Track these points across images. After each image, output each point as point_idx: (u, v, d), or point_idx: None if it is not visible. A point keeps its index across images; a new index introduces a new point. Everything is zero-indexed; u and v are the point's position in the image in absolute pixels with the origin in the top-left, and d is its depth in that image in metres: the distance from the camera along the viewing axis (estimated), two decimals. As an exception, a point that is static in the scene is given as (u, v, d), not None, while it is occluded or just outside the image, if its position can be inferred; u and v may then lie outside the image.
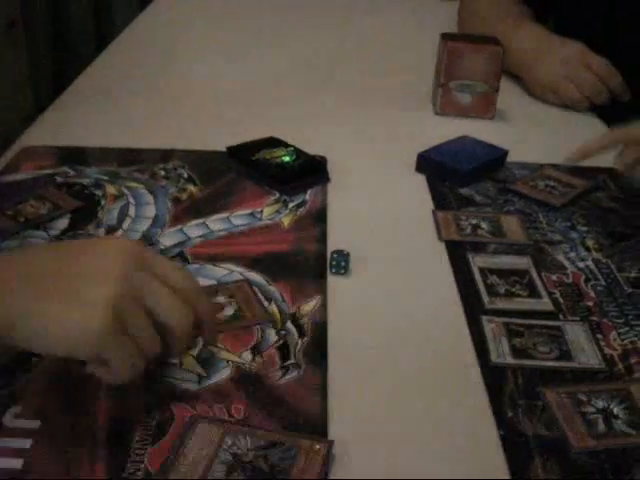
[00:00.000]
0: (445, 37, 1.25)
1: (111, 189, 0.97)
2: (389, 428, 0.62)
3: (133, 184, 0.98)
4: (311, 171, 1.02)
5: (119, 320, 0.54)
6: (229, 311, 0.74)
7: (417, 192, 1.01)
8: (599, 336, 0.74)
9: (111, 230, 0.87)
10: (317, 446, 0.58)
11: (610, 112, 1.31)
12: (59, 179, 0.98)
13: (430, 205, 0.98)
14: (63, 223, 0.88)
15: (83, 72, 1.40)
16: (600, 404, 0.65)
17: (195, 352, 0.68)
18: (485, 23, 1.43)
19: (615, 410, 0.64)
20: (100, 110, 1.23)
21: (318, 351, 0.70)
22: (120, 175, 1.00)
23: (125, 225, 0.89)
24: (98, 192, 0.96)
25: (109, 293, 0.55)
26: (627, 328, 0.75)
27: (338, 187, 1.01)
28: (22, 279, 0.56)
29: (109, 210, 0.92)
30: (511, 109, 1.30)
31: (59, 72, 1.91)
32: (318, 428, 0.61)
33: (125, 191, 0.96)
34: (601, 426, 0.62)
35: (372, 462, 0.59)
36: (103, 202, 0.94)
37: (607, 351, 0.72)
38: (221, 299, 0.75)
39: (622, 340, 0.73)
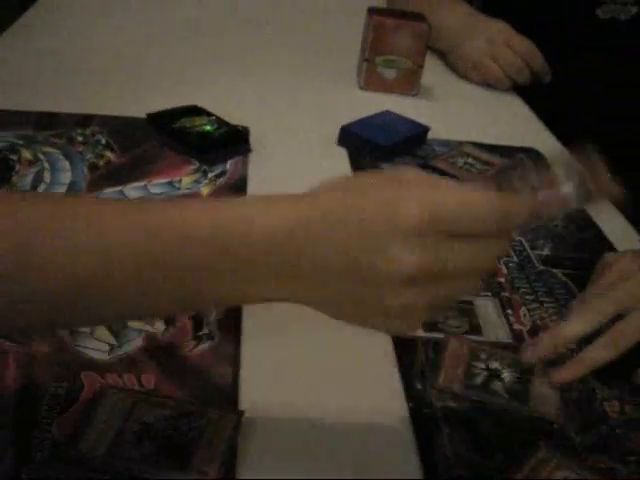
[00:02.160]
0: (371, 11, 1.25)
1: (26, 154, 0.94)
2: (299, 399, 0.63)
3: (49, 149, 0.96)
4: (232, 141, 1.01)
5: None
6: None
7: (338, 165, 1.02)
8: (509, 311, 0.75)
9: (25, 196, 0.85)
10: (227, 416, 0.58)
11: (532, 92, 1.34)
12: (-28, 142, 0.95)
13: (350, 179, 0.98)
14: (-26, 187, 0.86)
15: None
16: (493, 365, 0.67)
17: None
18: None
19: (504, 374, 0.66)
20: (16, 72, 1.19)
21: (232, 321, 0.70)
22: (36, 139, 0.98)
23: (40, 191, 0.87)
24: (13, 157, 0.93)
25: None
26: (537, 304, 0.77)
27: (259, 158, 1.00)
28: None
29: (23, 175, 0.90)
30: (435, 86, 1.31)
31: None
32: (229, 398, 0.61)
33: (41, 156, 0.94)
34: (478, 379, 0.65)
35: (282, 432, 0.59)
36: (18, 167, 0.91)
37: (516, 326, 0.73)
38: None
39: (531, 316, 0.75)
